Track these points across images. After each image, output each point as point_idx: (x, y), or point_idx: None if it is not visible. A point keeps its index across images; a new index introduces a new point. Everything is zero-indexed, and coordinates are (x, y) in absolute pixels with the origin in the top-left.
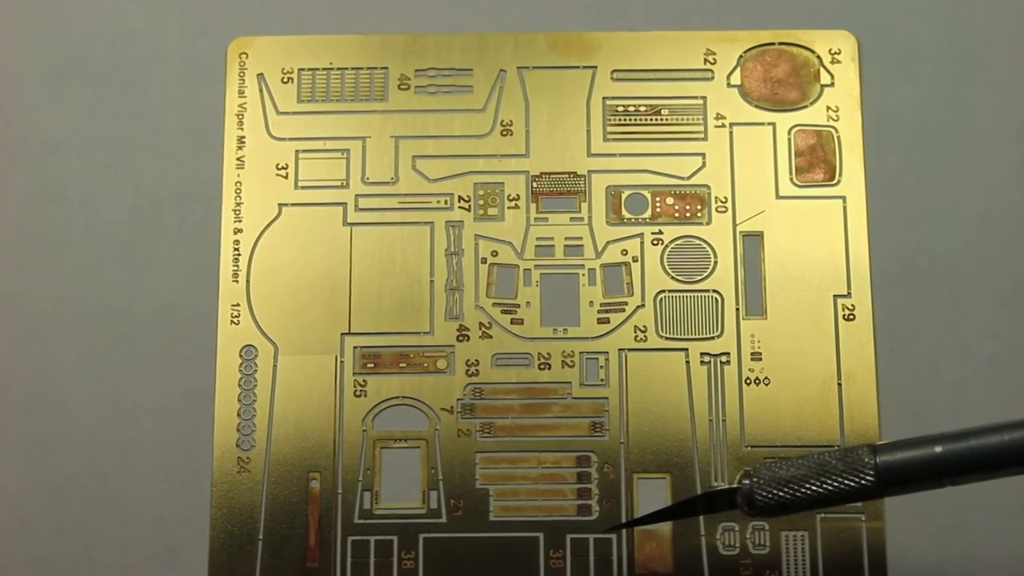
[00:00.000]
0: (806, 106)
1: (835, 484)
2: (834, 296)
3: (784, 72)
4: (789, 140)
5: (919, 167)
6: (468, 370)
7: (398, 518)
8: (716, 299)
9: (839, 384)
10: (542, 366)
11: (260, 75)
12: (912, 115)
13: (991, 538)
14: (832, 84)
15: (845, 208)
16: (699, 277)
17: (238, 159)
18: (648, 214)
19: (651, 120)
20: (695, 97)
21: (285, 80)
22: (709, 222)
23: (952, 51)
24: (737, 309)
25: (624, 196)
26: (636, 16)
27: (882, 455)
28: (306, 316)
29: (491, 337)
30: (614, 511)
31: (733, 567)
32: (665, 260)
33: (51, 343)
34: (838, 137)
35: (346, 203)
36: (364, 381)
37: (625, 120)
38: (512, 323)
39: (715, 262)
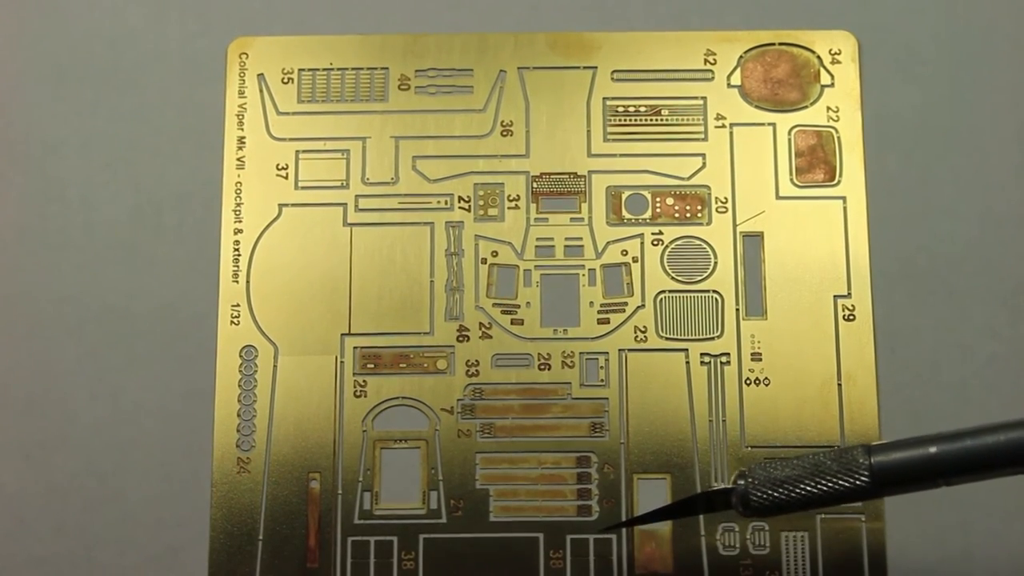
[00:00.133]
0: (806, 106)
1: (830, 484)
2: (834, 296)
3: (784, 72)
4: (789, 140)
5: (919, 167)
6: (468, 370)
7: (398, 518)
8: (716, 299)
9: (839, 384)
10: (542, 366)
11: (260, 75)
12: (912, 115)
13: (991, 538)
14: (832, 84)
15: (845, 208)
16: (699, 277)
17: (238, 159)
18: (648, 214)
19: (651, 120)
20: (695, 97)
21: (285, 80)
22: (709, 222)
23: (952, 51)
24: (737, 309)
25: (624, 196)
26: (636, 16)
27: (877, 455)
28: (306, 316)
29: (491, 337)
30: (614, 511)
31: (733, 567)
32: (665, 260)
33: (51, 343)
34: (838, 137)
35: (346, 203)
36: (364, 381)
37: (625, 120)
38: (512, 323)
39: (715, 262)
